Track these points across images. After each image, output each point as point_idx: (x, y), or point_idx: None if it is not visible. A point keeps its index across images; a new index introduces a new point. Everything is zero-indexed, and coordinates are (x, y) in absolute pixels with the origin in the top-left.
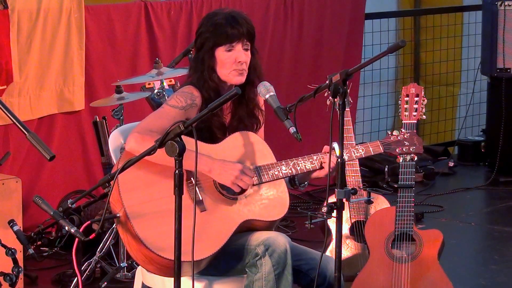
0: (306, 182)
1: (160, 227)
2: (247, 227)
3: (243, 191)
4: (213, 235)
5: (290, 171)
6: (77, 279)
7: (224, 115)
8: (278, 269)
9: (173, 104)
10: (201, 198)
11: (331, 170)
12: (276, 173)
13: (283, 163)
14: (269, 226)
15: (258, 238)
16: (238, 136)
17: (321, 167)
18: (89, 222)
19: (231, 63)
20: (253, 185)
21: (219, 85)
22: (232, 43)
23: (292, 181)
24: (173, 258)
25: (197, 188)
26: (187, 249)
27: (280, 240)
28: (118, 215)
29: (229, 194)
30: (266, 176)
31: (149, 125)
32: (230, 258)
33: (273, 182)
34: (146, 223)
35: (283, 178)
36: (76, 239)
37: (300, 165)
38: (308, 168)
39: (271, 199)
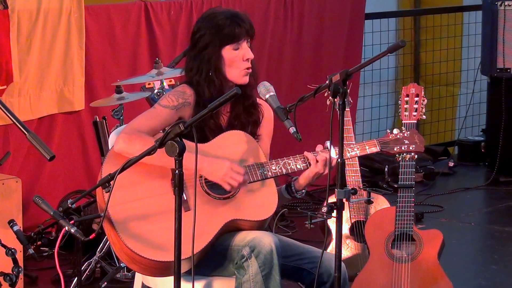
0: (303, 190)
1: (142, 227)
2: (235, 227)
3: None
4: (196, 235)
5: (280, 170)
6: (77, 279)
7: (221, 115)
8: (265, 270)
9: (165, 104)
10: (185, 198)
11: (322, 167)
12: (266, 172)
13: (273, 162)
14: (258, 226)
15: (244, 238)
16: (229, 135)
17: (309, 165)
18: (64, 230)
19: (240, 61)
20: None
21: (223, 84)
22: (239, 41)
23: (288, 189)
24: (153, 258)
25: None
26: (172, 250)
27: (266, 240)
28: (102, 215)
29: (216, 194)
30: (255, 175)
31: (138, 125)
32: (221, 258)
33: (261, 181)
34: (128, 223)
35: (273, 177)
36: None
37: (291, 164)
38: (299, 168)
39: (258, 199)
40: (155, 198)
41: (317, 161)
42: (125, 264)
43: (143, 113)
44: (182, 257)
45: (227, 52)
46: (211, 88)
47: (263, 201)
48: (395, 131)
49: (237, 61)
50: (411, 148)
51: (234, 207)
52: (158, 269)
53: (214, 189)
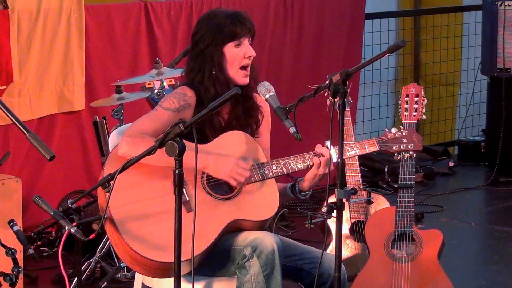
0: (307, 192)
1: (144, 228)
2: (237, 227)
3: (232, 191)
4: (199, 236)
5: (281, 170)
6: (77, 279)
7: (222, 115)
8: (267, 270)
9: (166, 107)
10: (187, 199)
11: (323, 168)
12: (267, 172)
13: (274, 162)
14: (259, 226)
15: (245, 238)
16: (229, 136)
17: (311, 166)
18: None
19: (241, 58)
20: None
21: (228, 81)
22: (241, 38)
23: (293, 188)
24: (157, 259)
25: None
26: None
27: (268, 240)
28: (106, 216)
29: (218, 194)
30: (256, 176)
31: (141, 128)
32: (222, 258)
33: (263, 181)
34: (131, 224)
35: (274, 177)
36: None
37: (292, 164)
38: (299, 168)
39: (260, 199)
40: (157, 199)
41: (319, 163)
42: (128, 265)
43: (145, 115)
44: (185, 258)
45: (229, 49)
46: (217, 86)
47: (265, 201)
48: (393, 130)
49: (238, 59)
50: (409, 146)
51: (236, 207)
52: (162, 270)
53: (216, 189)
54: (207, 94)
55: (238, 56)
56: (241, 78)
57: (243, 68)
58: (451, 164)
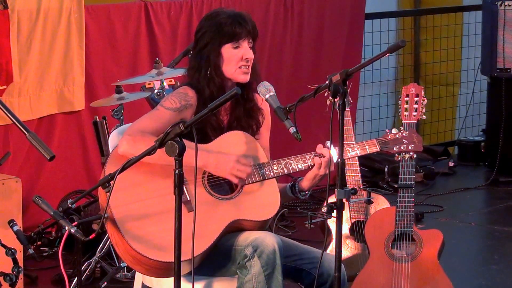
0: (307, 192)
1: (146, 228)
2: (237, 227)
3: (233, 191)
4: (200, 235)
5: (281, 171)
6: (77, 279)
7: (222, 116)
8: (268, 269)
9: (168, 106)
10: (188, 198)
11: (324, 168)
12: (267, 172)
13: (274, 162)
14: (260, 226)
15: (246, 238)
16: (229, 136)
17: (312, 166)
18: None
19: (238, 60)
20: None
21: (223, 83)
22: (239, 40)
23: (292, 188)
24: (158, 259)
25: (184, 189)
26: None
27: (269, 240)
28: (106, 215)
29: (218, 194)
30: (257, 176)
31: (142, 127)
32: (223, 258)
33: (263, 181)
34: (132, 224)
35: (274, 177)
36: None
37: (292, 164)
38: (300, 168)
39: (261, 199)
40: (158, 199)
41: (320, 163)
42: (129, 265)
43: (146, 114)
44: (185, 258)
45: (227, 50)
46: (211, 86)
47: (266, 201)
48: (394, 131)
49: (235, 60)
50: (410, 147)
51: (237, 207)
52: (163, 269)
53: (217, 189)
54: (203, 94)
55: (235, 58)
56: (240, 75)
57: (241, 67)
58: (451, 164)
